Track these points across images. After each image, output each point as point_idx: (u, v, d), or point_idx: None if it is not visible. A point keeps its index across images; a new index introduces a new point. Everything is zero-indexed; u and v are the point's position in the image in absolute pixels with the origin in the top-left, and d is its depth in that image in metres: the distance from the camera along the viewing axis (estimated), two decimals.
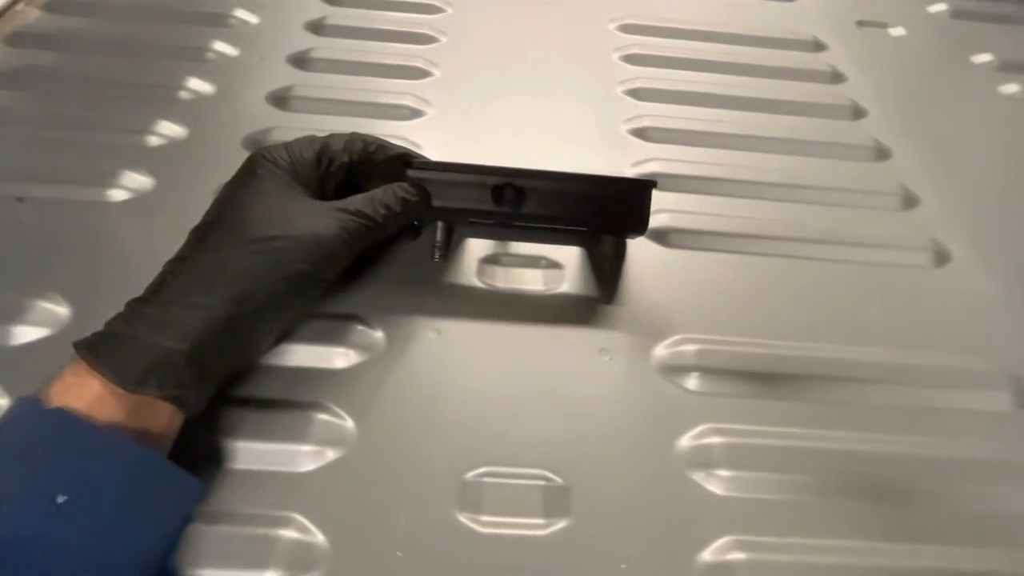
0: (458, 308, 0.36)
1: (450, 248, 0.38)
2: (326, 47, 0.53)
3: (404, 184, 0.34)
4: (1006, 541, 0.29)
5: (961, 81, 0.59)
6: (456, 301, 0.36)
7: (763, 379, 0.34)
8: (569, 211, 0.36)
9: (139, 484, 0.24)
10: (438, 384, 0.33)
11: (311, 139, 0.34)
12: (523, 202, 0.36)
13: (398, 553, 0.27)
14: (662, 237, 0.41)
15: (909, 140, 0.51)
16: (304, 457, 0.29)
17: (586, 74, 0.54)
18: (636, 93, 0.53)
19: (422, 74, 0.52)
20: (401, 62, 0.52)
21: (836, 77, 0.58)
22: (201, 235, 0.29)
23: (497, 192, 0.35)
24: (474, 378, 0.33)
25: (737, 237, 0.42)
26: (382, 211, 0.32)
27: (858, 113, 0.54)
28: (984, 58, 0.62)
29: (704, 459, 0.31)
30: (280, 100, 0.48)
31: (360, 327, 0.34)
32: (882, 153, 0.51)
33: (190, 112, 0.46)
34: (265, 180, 0.31)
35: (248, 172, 0.31)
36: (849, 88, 0.57)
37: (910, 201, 0.46)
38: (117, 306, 0.27)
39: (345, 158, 0.34)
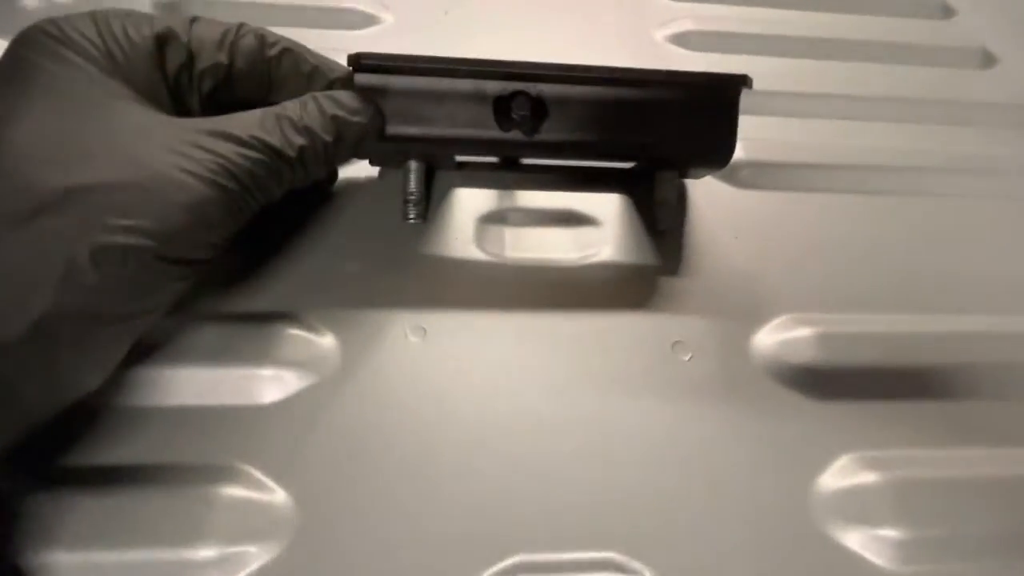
0: (449, 295, 0.23)
1: (430, 203, 0.25)
2: None
3: (338, 93, 0.21)
4: None
5: None
6: (445, 284, 0.24)
7: (916, 375, 0.23)
8: (617, 132, 0.23)
9: None
10: (424, 421, 0.20)
11: (146, 17, 0.19)
12: (543, 120, 0.23)
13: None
14: (734, 175, 0.29)
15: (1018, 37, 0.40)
16: (209, 570, 0.17)
17: None
18: None
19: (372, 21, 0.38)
20: None
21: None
22: None
23: (502, 105, 0.22)
24: (479, 405, 0.21)
25: (839, 170, 0.29)
26: (298, 139, 0.19)
27: (948, 11, 0.42)
28: None
29: (858, 511, 0.19)
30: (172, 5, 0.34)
31: (296, 332, 0.21)
32: (988, 59, 0.39)
33: None
34: (55, 79, 0.17)
35: (18, 67, 0.17)
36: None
37: None
38: None
39: (222, 58, 0.19)
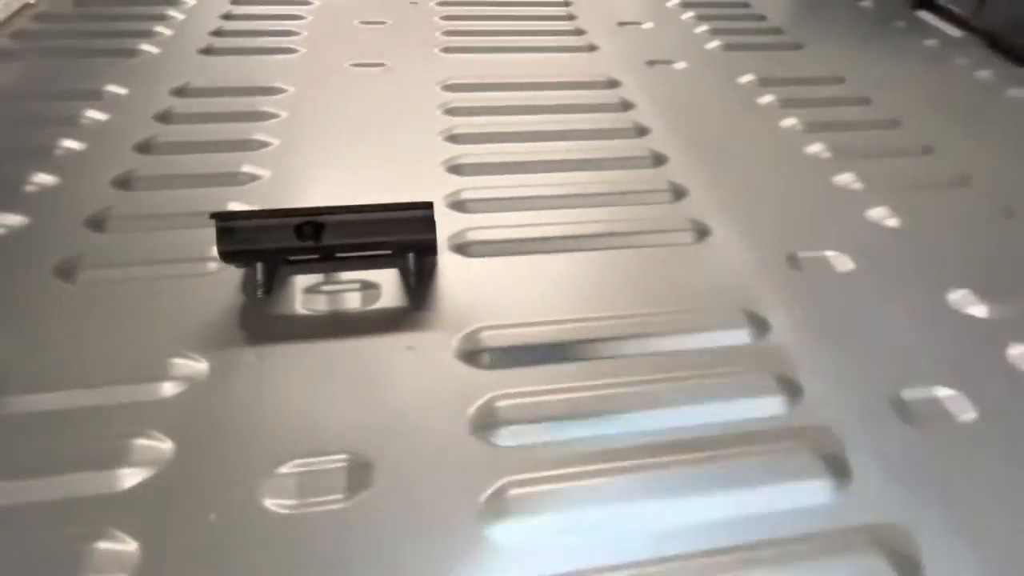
0: (280, 334, 0.41)
1: (272, 285, 0.43)
2: (170, 133, 0.59)
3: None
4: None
5: (728, 96, 0.72)
6: (278, 328, 0.41)
7: (544, 349, 0.41)
8: (366, 237, 0.42)
9: None
10: (255, 397, 0.37)
11: None
12: (322, 235, 0.42)
13: (211, 516, 0.30)
14: (464, 249, 0.48)
15: (684, 146, 0.62)
16: (122, 478, 0.32)
17: (412, 126, 0.63)
18: (454, 138, 0.62)
19: (261, 145, 0.59)
20: (242, 137, 0.59)
21: (626, 105, 0.69)
22: None
23: (298, 229, 0.41)
24: (290, 388, 0.37)
25: (527, 241, 0.49)
26: None
27: (641, 132, 0.65)
28: (748, 78, 0.76)
29: (488, 421, 0.36)
30: (124, 182, 0.53)
31: (182, 360, 0.38)
32: (659, 159, 0.61)
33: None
34: None
35: None
36: (636, 113, 0.68)
37: (679, 194, 0.56)
38: None
39: None
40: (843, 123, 0.67)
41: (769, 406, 0.38)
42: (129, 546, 0.30)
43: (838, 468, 0.34)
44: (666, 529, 0.32)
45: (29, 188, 0.52)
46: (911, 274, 0.48)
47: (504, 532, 0.31)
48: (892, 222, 0.54)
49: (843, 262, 0.49)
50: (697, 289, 0.46)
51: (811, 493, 0.34)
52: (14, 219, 0.49)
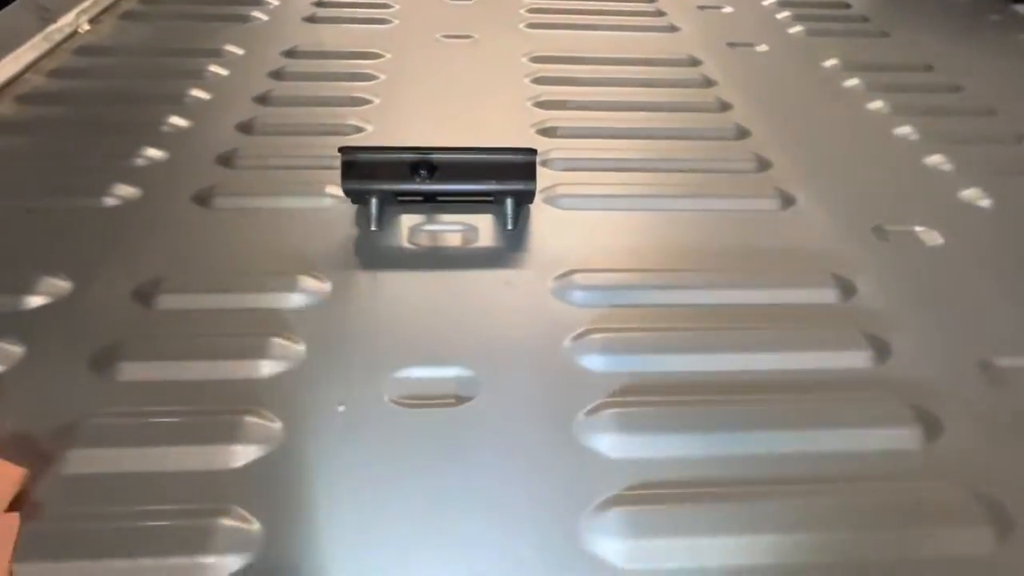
0: (391, 263, 0.45)
1: (384, 221, 0.47)
2: (283, 88, 0.65)
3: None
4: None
5: (811, 79, 0.73)
6: (389, 257, 0.45)
7: (637, 293, 0.43)
8: (473, 175, 0.46)
9: None
10: (376, 309, 0.41)
11: None
12: (434, 174, 0.45)
13: (339, 407, 0.34)
14: (555, 202, 0.51)
15: (767, 123, 0.63)
16: (262, 367, 0.37)
17: (502, 92, 0.66)
18: (542, 104, 0.64)
19: (364, 102, 0.64)
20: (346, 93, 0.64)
21: (708, 82, 0.70)
22: None
23: (413, 168, 0.45)
24: (404, 306, 0.41)
25: (614, 198, 0.52)
26: None
27: (724, 107, 0.66)
28: (832, 62, 0.76)
29: (583, 350, 0.39)
30: (246, 128, 0.59)
31: (308, 278, 0.43)
32: (743, 133, 0.62)
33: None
34: None
35: None
36: (718, 90, 0.69)
37: (763, 165, 0.57)
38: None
39: None
40: (933, 108, 0.67)
41: (858, 359, 0.39)
42: (273, 424, 0.34)
43: (928, 421, 0.35)
44: (750, 455, 0.34)
45: (165, 129, 0.58)
46: (1003, 251, 0.48)
47: (601, 443, 0.34)
48: (985, 203, 0.53)
49: (932, 237, 0.49)
50: (783, 251, 0.47)
51: (900, 439, 0.35)
52: (156, 153, 0.55)
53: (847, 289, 0.44)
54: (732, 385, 0.37)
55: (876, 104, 0.67)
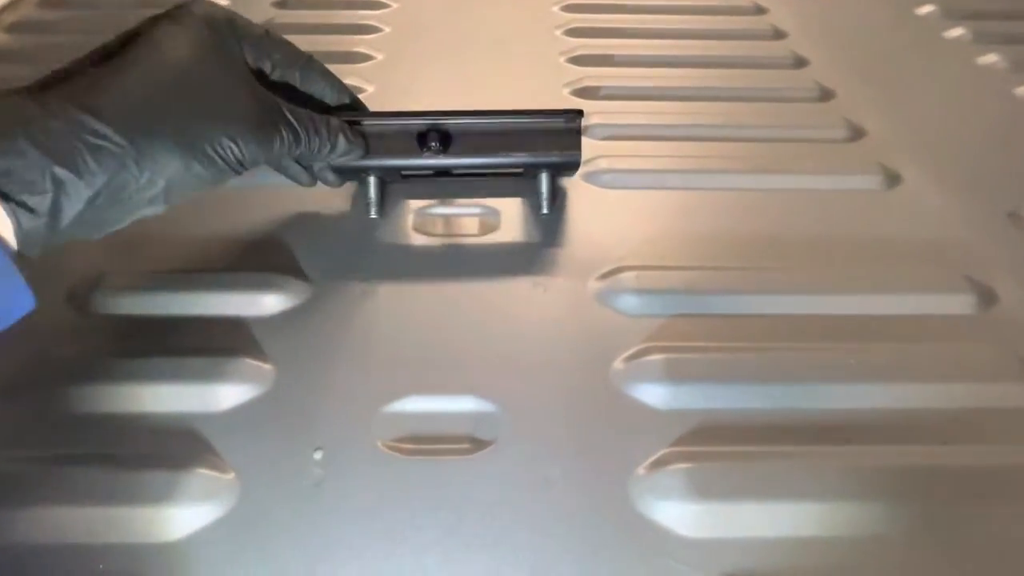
0: (393, 260, 0.35)
1: (384, 204, 0.38)
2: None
3: (347, 124, 0.33)
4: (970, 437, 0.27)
5: (904, 28, 0.60)
6: (391, 253, 0.36)
7: (705, 299, 0.33)
8: (499, 150, 0.36)
9: None
10: (369, 324, 0.32)
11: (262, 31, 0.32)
12: (449, 145, 0.35)
13: (315, 454, 0.26)
14: (595, 178, 0.41)
15: (852, 81, 0.51)
16: (223, 398, 0.28)
17: (530, 45, 0.55)
18: (577, 60, 0.54)
19: (366, 58, 0.54)
20: (347, 48, 0.54)
21: (777, 34, 0.58)
22: (125, 64, 0.26)
23: (421, 138, 0.35)
24: (405, 319, 0.32)
25: (670, 174, 0.41)
26: (326, 137, 0.31)
27: (800, 63, 0.54)
28: (928, 8, 0.63)
29: (639, 376, 0.29)
30: None
31: (291, 279, 0.34)
32: (826, 94, 0.50)
33: None
34: (211, 40, 0.28)
35: (187, 25, 0.28)
36: (790, 42, 0.57)
37: (857, 133, 0.46)
38: None
39: (295, 78, 0.33)
40: None
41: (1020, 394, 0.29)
42: (225, 475, 0.26)
43: None
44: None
45: None
46: None
47: (666, 513, 0.25)
48: None
49: None
50: (893, 243, 0.37)
51: None
52: None
53: (986, 296, 0.34)
54: (848, 432, 0.27)
55: (989, 58, 0.55)
